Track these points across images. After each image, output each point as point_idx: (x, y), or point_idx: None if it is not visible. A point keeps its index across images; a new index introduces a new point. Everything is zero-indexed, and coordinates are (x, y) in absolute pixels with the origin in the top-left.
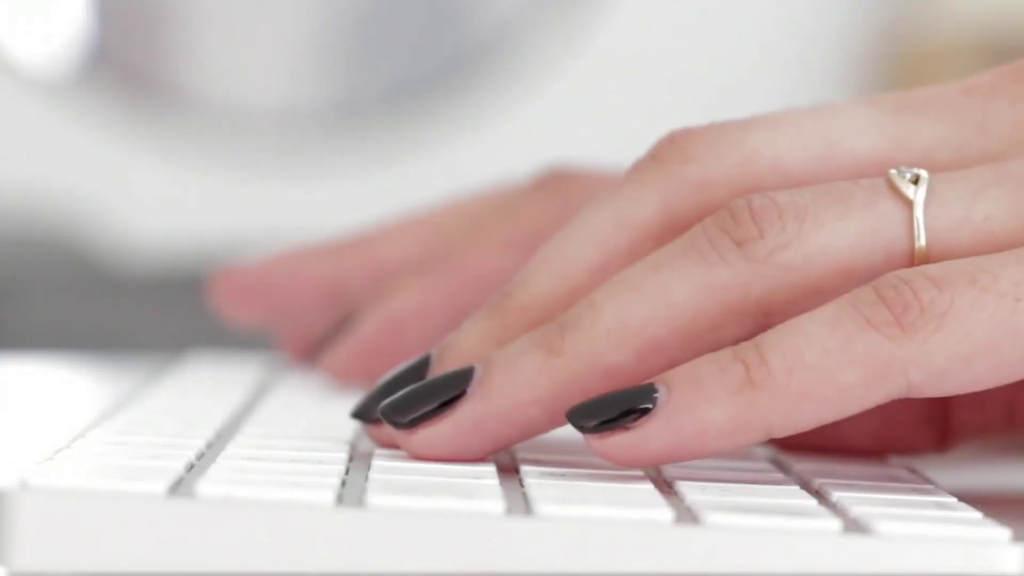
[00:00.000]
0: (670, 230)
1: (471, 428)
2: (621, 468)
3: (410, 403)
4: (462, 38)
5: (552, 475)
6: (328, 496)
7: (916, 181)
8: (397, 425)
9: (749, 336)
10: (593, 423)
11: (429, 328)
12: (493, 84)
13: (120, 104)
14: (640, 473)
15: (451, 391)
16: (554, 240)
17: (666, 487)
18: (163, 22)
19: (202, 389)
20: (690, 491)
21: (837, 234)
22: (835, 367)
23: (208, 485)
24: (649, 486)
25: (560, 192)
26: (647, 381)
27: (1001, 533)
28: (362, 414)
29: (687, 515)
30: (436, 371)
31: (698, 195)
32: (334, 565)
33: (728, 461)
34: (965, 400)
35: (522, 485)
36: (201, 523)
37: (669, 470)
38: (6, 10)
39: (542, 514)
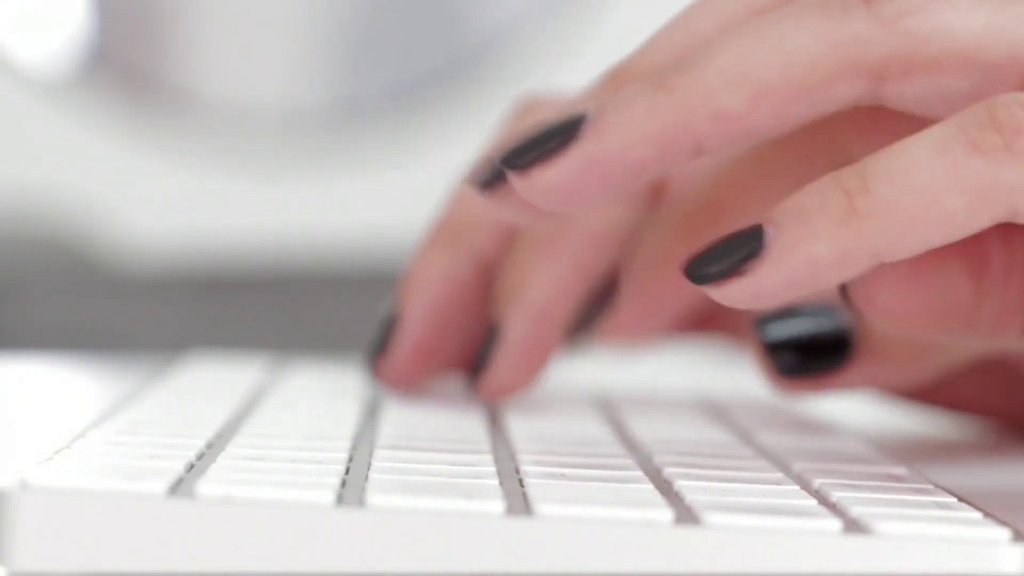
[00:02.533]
0: (844, 74)
1: (582, 169)
2: (622, 468)
3: (524, 147)
4: (462, 38)
5: (552, 475)
6: (328, 496)
7: None
8: (511, 166)
9: (859, 99)
10: (708, 273)
11: (572, 305)
12: (493, 84)
13: (120, 104)
14: (640, 473)
15: (565, 133)
16: (675, 17)
17: (666, 487)
18: (163, 22)
19: (202, 389)
20: (690, 491)
21: (968, 19)
22: (941, 192)
23: (208, 485)
24: (649, 486)
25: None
26: (754, 223)
27: (1001, 533)
28: (509, 161)
29: (687, 515)
30: (585, 132)
31: (889, 42)
32: (334, 565)
33: (728, 461)
34: None
35: (522, 485)
36: (201, 523)
37: (669, 470)
38: (6, 10)
39: (542, 514)
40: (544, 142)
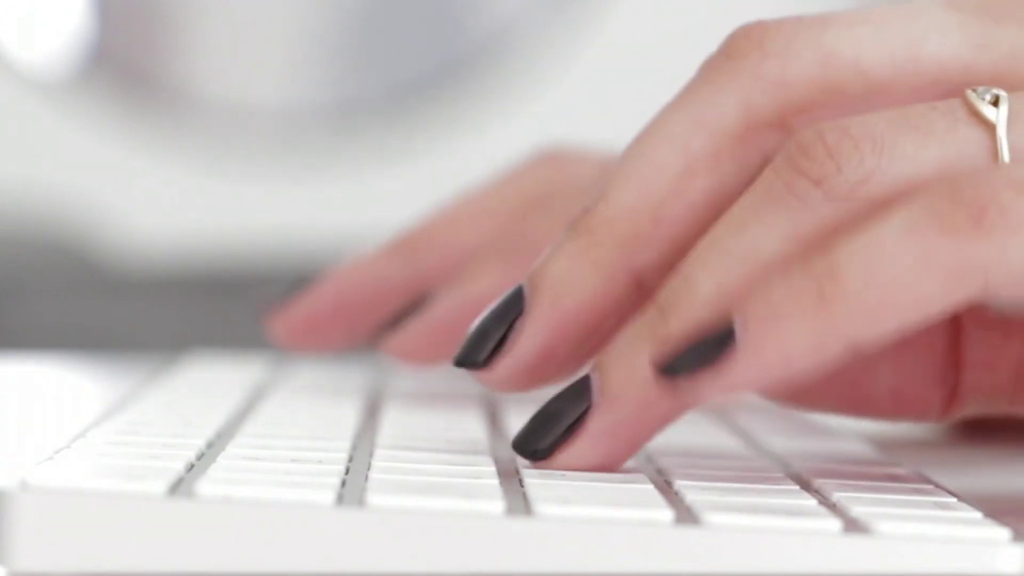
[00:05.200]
0: (751, 129)
1: (608, 438)
2: (622, 468)
3: (538, 433)
4: (462, 38)
5: (552, 475)
6: (328, 496)
7: (996, 102)
8: (535, 457)
9: None
10: (683, 373)
11: None
12: (493, 84)
13: (120, 104)
14: (640, 473)
15: (576, 409)
16: (632, 149)
17: (666, 487)
18: (163, 22)
19: (202, 389)
20: (690, 491)
21: (919, 163)
22: (913, 276)
23: (208, 485)
24: (649, 486)
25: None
26: (723, 316)
27: (1001, 533)
28: (466, 361)
29: (687, 515)
30: (533, 301)
31: (777, 93)
32: (334, 565)
33: (728, 461)
34: (976, 358)
35: (522, 485)
36: (201, 523)
37: (669, 470)
38: (6, 10)
39: (542, 514)
40: (557, 421)
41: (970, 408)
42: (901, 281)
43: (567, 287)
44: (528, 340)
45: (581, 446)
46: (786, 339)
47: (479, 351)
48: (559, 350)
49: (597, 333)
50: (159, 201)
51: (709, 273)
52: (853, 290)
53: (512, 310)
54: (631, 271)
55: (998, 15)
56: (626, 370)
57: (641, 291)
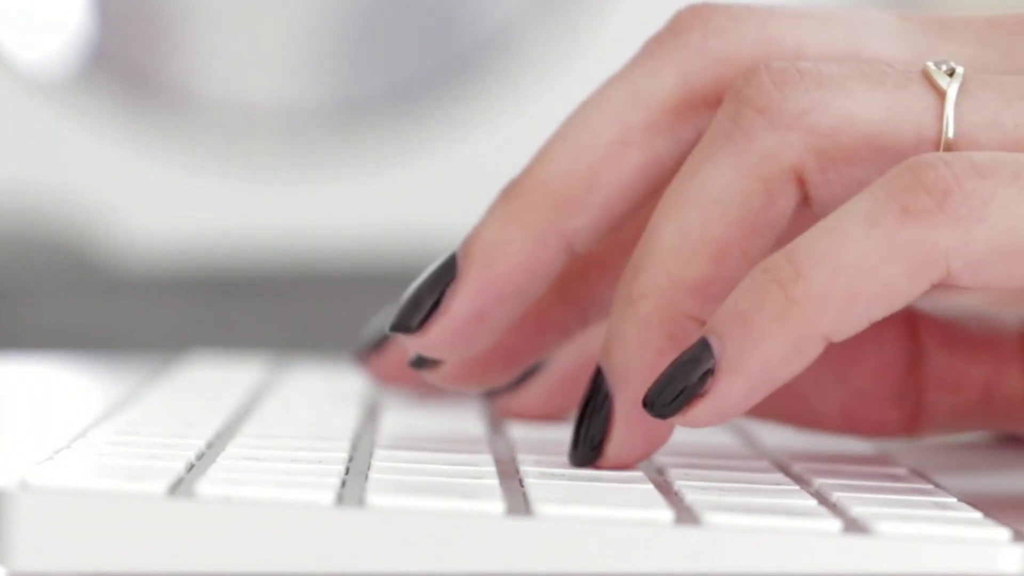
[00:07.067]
0: (688, 104)
1: (627, 419)
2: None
3: (585, 433)
4: (462, 38)
5: (552, 475)
6: (328, 496)
7: (951, 75)
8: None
9: (799, 204)
10: (671, 405)
11: None
12: (493, 84)
13: (120, 104)
14: (640, 473)
15: (598, 411)
16: (570, 117)
17: (666, 487)
18: (163, 22)
19: (202, 389)
20: (690, 491)
21: (866, 104)
22: (877, 265)
23: (208, 485)
24: (649, 486)
25: None
26: (696, 341)
27: (1001, 533)
28: (400, 327)
29: (687, 515)
30: (464, 272)
31: (717, 68)
32: (334, 565)
33: (728, 461)
34: (940, 379)
35: (522, 485)
36: (201, 523)
37: (669, 470)
38: (6, 10)
39: (542, 514)
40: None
41: (942, 427)
42: (866, 270)
43: (499, 251)
44: (460, 304)
45: (616, 432)
46: (764, 350)
47: (412, 317)
48: (491, 313)
49: (527, 295)
50: (159, 201)
51: (668, 222)
52: (819, 286)
53: (445, 276)
54: (563, 235)
55: (944, 29)
56: (620, 341)
57: (572, 255)
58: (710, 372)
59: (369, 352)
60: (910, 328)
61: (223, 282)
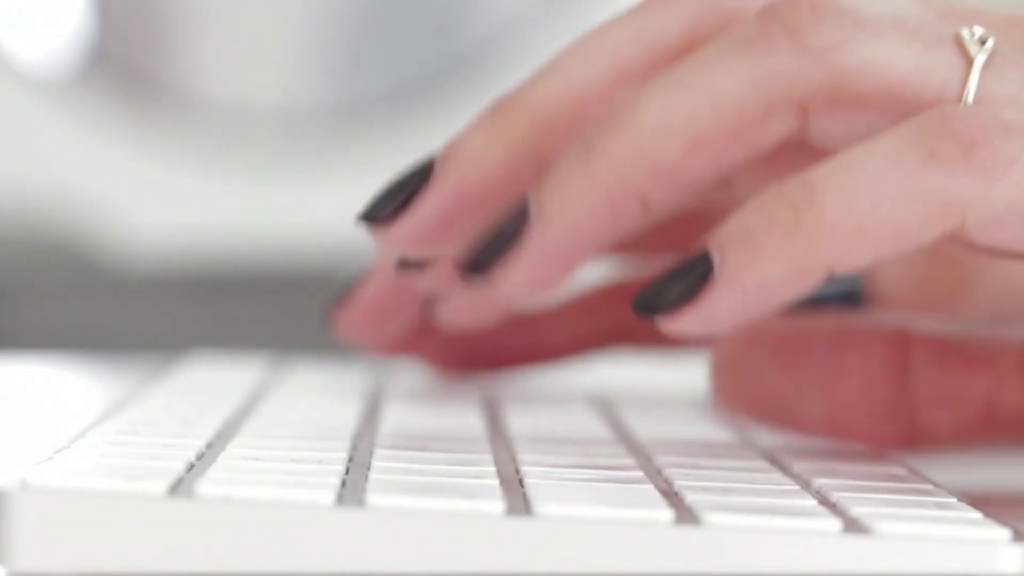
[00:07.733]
0: (690, 50)
1: (542, 260)
2: (622, 468)
3: (488, 253)
4: (462, 38)
5: (552, 475)
6: (328, 496)
7: (983, 43)
8: (478, 269)
9: (790, 135)
10: (659, 305)
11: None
12: (494, 84)
13: (120, 104)
14: (640, 473)
15: (511, 237)
16: (569, 47)
17: (666, 487)
18: (163, 22)
19: (202, 389)
20: (690, 491)
21: (894, 55)
22: (894, 204)
23: (208, 485)
24: (649, 486)
25: None
26: (699, 248)
27: (1001, 533)
28: (369, 216)
29: (687, 515)
30: (439, 176)
31: (726, 20)
32: (334, 565)
33: (728, 461)
34: (935, 396)
35: (522, 485)
36: (201, 523)
37: (669, 470)
38: (6, 10)
39: (542, 514)
40: (497, 243)
41: (945, 443)
42: (881, 208)
43: (476, 163)
44: (430, 205)
45: (523, 266)
46: (764, 268)
47: (382, 209)
48: (457, 220)
49: (491, 207)
50: (159, 201)
51: (659, 97)
52: (831, 218)
53: (421, 177)
54: (540, 158)
55: (963, 17)
56: (560, 191)
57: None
58: (705, 281)
59: (335, 305)
60: (899, 346)
61: (223, 282)
